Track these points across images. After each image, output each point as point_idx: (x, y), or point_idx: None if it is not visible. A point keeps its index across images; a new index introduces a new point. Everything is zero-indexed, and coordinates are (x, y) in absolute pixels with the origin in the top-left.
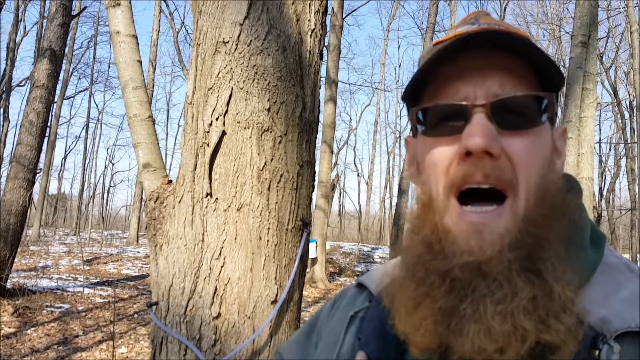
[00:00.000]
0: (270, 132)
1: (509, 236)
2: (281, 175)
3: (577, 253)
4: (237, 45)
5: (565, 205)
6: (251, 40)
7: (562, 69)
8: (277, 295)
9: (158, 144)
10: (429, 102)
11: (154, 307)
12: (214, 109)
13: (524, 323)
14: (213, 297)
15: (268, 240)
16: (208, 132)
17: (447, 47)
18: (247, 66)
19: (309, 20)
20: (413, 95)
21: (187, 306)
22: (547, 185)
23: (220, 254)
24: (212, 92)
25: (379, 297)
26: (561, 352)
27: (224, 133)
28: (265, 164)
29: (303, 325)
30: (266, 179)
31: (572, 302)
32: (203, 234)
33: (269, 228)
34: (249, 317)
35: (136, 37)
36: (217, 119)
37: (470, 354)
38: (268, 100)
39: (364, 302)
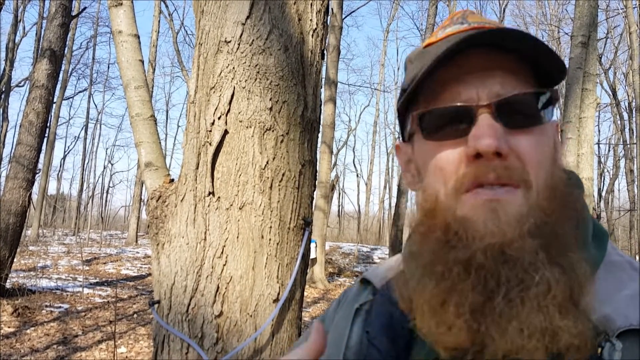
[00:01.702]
0: (272, 131)
1: (526, 220)
2: (283, 174)
3: (583, 251)
4: (239, 44)
5: (575, 201)
6: (253, 40)
7: None
8: (279, 293)
9: (160, 143)
10: (428, 106)
11: (156, 305)
12: (216, 108)
13: (558, 322)
14: (215, 296)
15: (270, 239)
16: (210, 131)
17: (451, 49)
18: (249, 65)
19: (311, 20)
20: (407, 100)
21: (189, 304)
22: (556, 182)
23: (222, 252)
24: (214, 91)
25: (382, 291)
26: (578, 354)
27: (226, 132)
28: (267, 162)
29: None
30: (268, 177)
31: (588, 306)
32: (205, 233)
33: (270, 227)
34: (251, 316)
35: (138, 37)
36: (219, 118)
37: (509, 352)
38: (270, 99)
39: (368, 296)
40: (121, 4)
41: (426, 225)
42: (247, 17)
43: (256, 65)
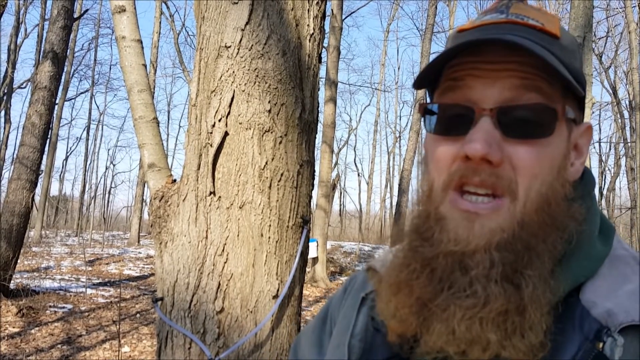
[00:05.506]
0: (271, 132)
1: (500, 234)
2: (282, 174)
3: (571, 261)
4: (238, 49)
5: (568, 217)
6: (252, 45)
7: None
8: (278, 290)
9: (162, 144)
10: (444, 96)
11: (160, 302)
12: (217, 111)
13: (489, 334)
14: (216, 292)
15: (269, 237)
16: (211, 133)
17: (455, 48)
18: (249, 69)
19: (308, 25)
20: (431, 82)
21: (191, 301)
22: (552, 194)
23: (223, 250)
24: (215, 95)
25: None
26: None
27: (226, 134)
28: (266, 163)
29: (319, 311)
30: (267, 177)
31: (541, 324)
32: (207, 231)
33: (270, 225)
34: (251, 312)
35: (141, 42)
36: (219, 121)
37: (432, 350)
38: (269, 102)
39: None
40: (124, 10)
41: (416, 210)
42: (247, 23)
43: (255, 69)
